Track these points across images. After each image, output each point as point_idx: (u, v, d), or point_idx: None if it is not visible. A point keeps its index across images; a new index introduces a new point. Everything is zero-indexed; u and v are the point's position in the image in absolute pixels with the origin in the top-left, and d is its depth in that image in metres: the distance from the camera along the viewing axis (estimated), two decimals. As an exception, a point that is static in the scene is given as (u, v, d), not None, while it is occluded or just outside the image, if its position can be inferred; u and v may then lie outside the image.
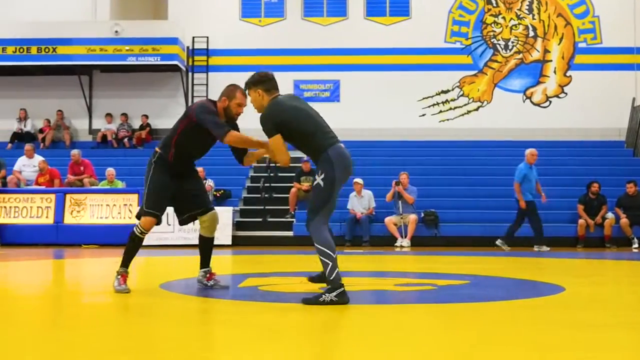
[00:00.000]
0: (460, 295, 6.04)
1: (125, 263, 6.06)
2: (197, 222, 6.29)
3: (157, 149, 6.08)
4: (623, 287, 7.43)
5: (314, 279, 6.24)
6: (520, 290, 6.58)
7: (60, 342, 3.91)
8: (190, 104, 20.49)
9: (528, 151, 13.97)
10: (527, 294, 6.24)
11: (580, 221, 14.79)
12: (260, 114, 5.56)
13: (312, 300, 5.22)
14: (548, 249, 13.38)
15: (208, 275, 6.31)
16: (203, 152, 6.20)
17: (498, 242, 13.63)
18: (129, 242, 6.05)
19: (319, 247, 5.27)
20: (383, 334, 4.12)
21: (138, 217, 6.02)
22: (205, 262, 6.35)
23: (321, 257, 5.26)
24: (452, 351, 3.67)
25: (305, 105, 5.71)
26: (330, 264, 5.21)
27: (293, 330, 4.29)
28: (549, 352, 3.62)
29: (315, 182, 5.45)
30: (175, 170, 6.02)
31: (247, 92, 5.79)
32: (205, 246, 6.37)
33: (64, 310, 5.47)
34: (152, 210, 5.91)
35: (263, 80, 5.63)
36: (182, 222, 6.32)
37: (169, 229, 14.31)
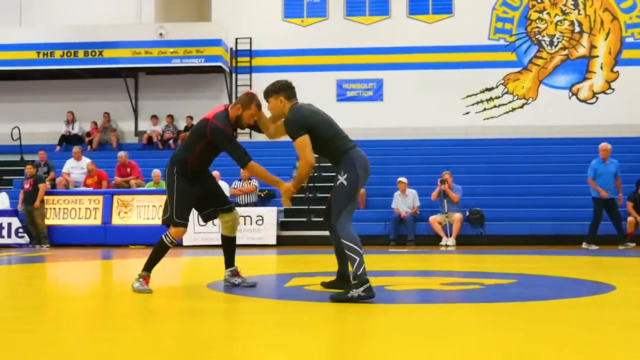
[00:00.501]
0: (507, 294, 5.99)
1: (149, 268, 6.17)
2: (226, 221, 6.40)
3: (172, 162, 6.18)
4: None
5: (328, 284, 6.26)
6: (569, 289, 6.49)
7: (110, 342, 3.96)
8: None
9: (599, 146, 13.76)
10: (577, 293, 6.16)
11: (630, 218, 14.52)
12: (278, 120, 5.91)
13: (340, 297, 5.30)
14: (597, 247, 13.17)
15: (235, 274, 6.47)
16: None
17: (620, 247, 13.38)
18: (156, 249, 6.17)
19: (347, 242, 5.39)
20: (430, 333, 4.10)
21: (167, 224, 6.14)
22: (230, 262, 6.52)
23: (348, 253, 5.36)
24: (501, 350, 3.64)
25: (323, 112, 5.87)
26: (358, 259, 5.30)
27: (338, 330, 4.29)
28: (600, 352, 3.57)
29: (338, 182, 5.56)
30: (194, 179, 6.18)
31: (267, 99, 5.87)
32: (229, 246, 6.54)
33: (113, 310, 5.55)
34: (183, 220, 6.05)
35: (285, 88, 5.83)
36: (205, 218, 6.49)
37: (215, 229, 14.40)
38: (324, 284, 6.30)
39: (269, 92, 5.84)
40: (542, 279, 7.32)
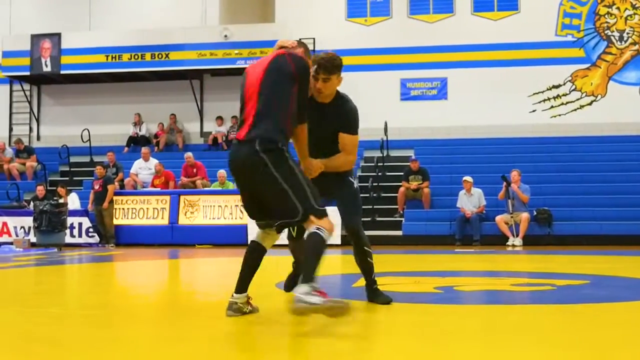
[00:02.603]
0: (581, 295, 5.85)
1: (311, 276, 4.21)
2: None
3: (271, 138, 4.40)
4: None
5: (289, 287, 5.53)
6: (645, 290, 6.31)
7: (183, 341, 4.00)
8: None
9: None
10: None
11: None
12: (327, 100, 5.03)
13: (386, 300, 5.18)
14: None
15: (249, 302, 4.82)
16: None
17: None
18: (314, 250, 4.33)
19: (369, 250, 5.35)
20: (506, 335, 4.03)
21: (303, 219, 4.39)
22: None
23: (370, 261, 5.31)
24: (581, 353, 3.55)
25: None
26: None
27: (412, 331, 4.25)
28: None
29: (355, 186, 5.38)
30: None
31: (330, 75, 4.87)
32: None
33: (182, 309, 5.59)
34: (323, 207, 4.49)
35: None
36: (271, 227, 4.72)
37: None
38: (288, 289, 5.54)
39: (338, 68, 4.90)
40: (616, 280, 7.13)
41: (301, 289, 4.11)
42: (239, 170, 4.53)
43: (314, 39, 20.68)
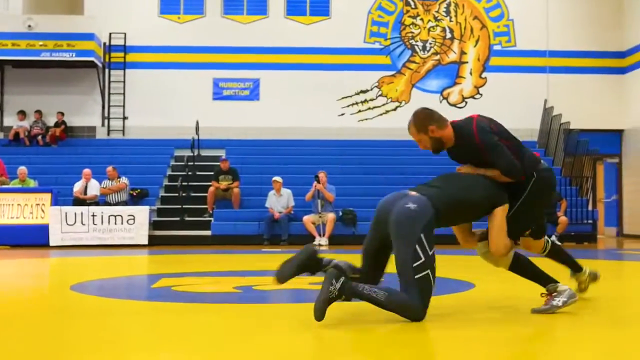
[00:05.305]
0: (373, 293, 6.08)
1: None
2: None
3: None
4: (531, 283, 7.61)
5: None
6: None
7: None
8: (106, 100, 20.08)
9: None
10: (437, 291, 6.33)
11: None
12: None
13: None
14: None
15: None
16: None
17: None
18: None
19: None
20: (299, 331, 4.13)
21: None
22: None
23: None
24: (363, 350, 3.70)
25: None
26: None
27: (200, 332, 4.26)
28: (457, 350, 3.69)
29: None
30: None
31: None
32: None
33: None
34: None
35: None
36: None
37: (84, 228, 14.00)
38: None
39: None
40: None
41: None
42: None
43: (124, 34, 20.21)
